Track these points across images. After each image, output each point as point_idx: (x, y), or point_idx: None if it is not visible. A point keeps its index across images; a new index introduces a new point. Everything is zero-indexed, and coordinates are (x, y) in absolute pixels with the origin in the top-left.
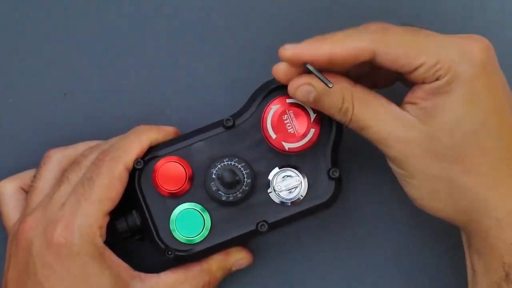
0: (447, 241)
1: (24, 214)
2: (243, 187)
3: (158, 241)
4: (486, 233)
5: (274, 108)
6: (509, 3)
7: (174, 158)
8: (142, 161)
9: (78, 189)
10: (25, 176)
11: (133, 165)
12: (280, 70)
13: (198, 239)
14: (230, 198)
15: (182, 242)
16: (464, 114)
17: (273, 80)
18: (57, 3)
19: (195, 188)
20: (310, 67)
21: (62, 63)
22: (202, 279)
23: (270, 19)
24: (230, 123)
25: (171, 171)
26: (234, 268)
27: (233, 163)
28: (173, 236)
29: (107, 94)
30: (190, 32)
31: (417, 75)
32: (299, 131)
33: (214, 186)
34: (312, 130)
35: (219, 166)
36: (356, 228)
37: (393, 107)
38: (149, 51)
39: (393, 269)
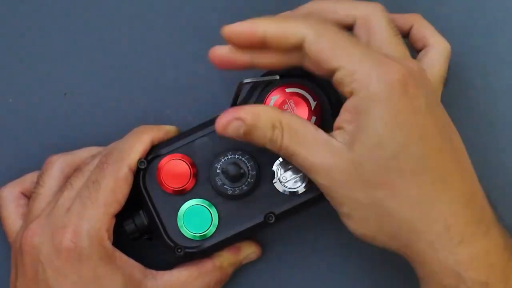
0: None
1: (28, 221)
2: (248, 179)
3: (167, 239)
4: (422, 257)
5: (274, 99)
6: (509, 3)
7: (177, 155)
8: (145, 161)
9: (84, 193)
10: (26, 181)
11: (137, 166)
12: (218, 55)
13: (206, 234)
14: (236, 192)
15: (191, 239)
16: (384, 137)
17: (272, 71)
18: (57, 3)
19: (201, 184)
20: (249, 79)
21: (62, 63)
22: (214, 275)
23: None
24: None
25: (175, 168)
26: (244, 262)
27: (236, 156)
28: (182, 233)
29: (107, 94)
30: (190, 32)
31: (334, 80)
32: None
33: (219, 180)
34: (313, 118)
35: (223, 160)
36: None
37: (321, 134)
38: (149, 51)
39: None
